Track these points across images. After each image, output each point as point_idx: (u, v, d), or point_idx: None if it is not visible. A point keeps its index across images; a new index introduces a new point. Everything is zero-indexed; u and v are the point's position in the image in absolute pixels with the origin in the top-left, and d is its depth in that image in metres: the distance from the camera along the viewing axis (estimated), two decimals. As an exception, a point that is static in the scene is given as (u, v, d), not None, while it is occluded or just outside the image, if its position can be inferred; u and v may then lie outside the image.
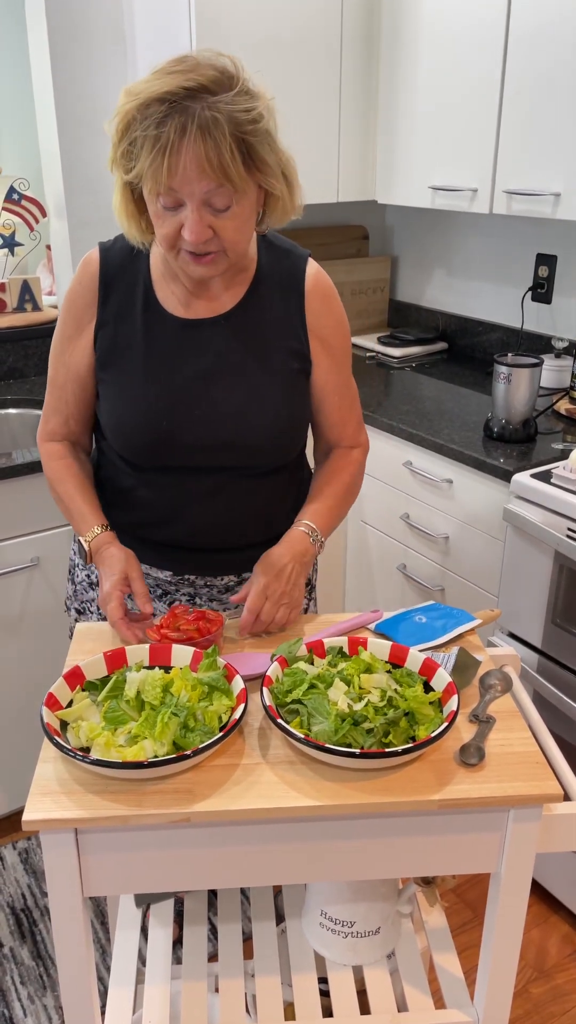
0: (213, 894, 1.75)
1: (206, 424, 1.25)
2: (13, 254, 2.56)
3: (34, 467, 1.89)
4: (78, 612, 1.48)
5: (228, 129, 1.05)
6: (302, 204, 1.22)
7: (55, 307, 2.59)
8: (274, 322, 1.28)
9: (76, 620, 1.49)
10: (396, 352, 2.61)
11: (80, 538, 1.30)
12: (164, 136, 1.04)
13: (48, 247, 2.73)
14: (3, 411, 2.30)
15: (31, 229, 2.56)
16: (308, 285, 1.29)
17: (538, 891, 1.96)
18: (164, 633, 1.14)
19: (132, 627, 1.18)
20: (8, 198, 2.50)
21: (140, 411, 1.25)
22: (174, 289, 1.26)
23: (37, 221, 2.55)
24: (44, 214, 2.53)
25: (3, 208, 2.50)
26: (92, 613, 1.45)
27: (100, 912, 1.91)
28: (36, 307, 2.50)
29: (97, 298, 1.27)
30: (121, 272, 1.27)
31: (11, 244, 2.53)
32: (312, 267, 1.31)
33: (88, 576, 1.45)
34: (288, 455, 1.34)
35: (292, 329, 1.29)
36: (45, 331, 2.45)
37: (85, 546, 1.28)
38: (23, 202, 2.52)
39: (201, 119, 1.04)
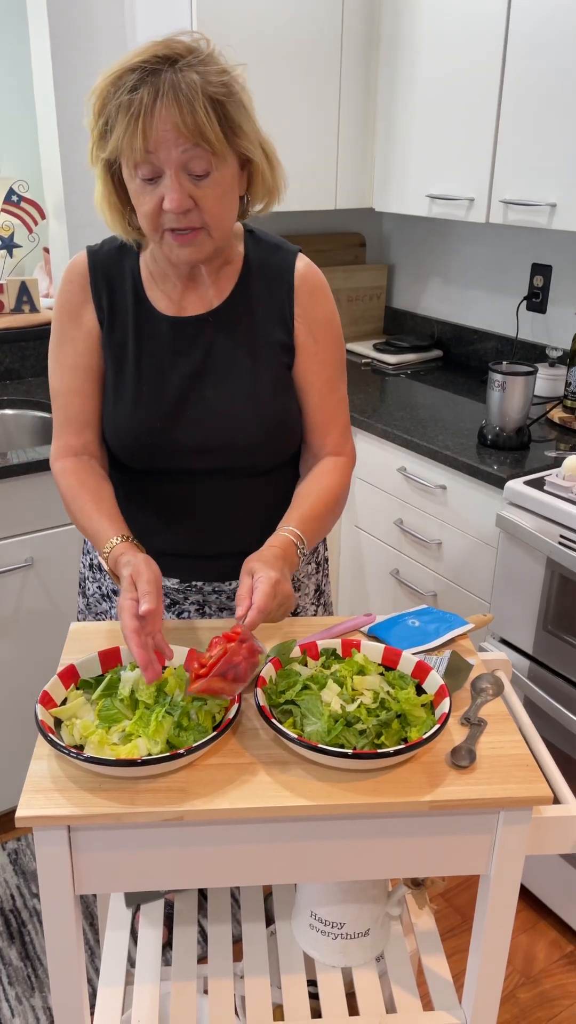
0: (203, 897, 1.75)
1: (198, 425, 1.24)
2: (12, 256, 2.57)
3: (30, 467, 1.90)
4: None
5: (201, 89, 1.06)
6: (285, 186, 1.22)
7: (52, 309, 2.59)
8: (263, 316, 1.27)
9: None
10: (391, 359, 2.63)
11: (98, 556, 1.21)
12: (137, 100, 1.05)
13: (45, 249, 2.74)
14: (0, 411, 2.31)
15: (30, 231, 2.56)
16: (298, 278, 1.27)
17: (527, 897, 1.97)
18: (196, 671, 1.02)
19: (145, 643, 1.03)
20: (7, 200, 2.50)
21: (134, 413, 1.25)
22: (164, 288, 1.26)
23: (36, 223, 2.56)
24: (43, 216, 2.54)
25: (2, 210, 2.51)
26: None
27: (89, 914, 1.90)
28: (34, 308, 2.51)
29: (91, 297, 1.25)
30: (110, 273, 1.26)
31: (10, 246, 2.54)
32: (302, 260, 1.29)
33: (100, 588, 1.43)
34: (285, 452, 1.32)
35: (281, 322, 1.27)
36: (42, 332, 2.46)
37: (103, 564, 1.20)
38: (22, 204, 2.53)
39: (173, 80, 1.05)
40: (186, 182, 1.09)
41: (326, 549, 1.52)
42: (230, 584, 1.36)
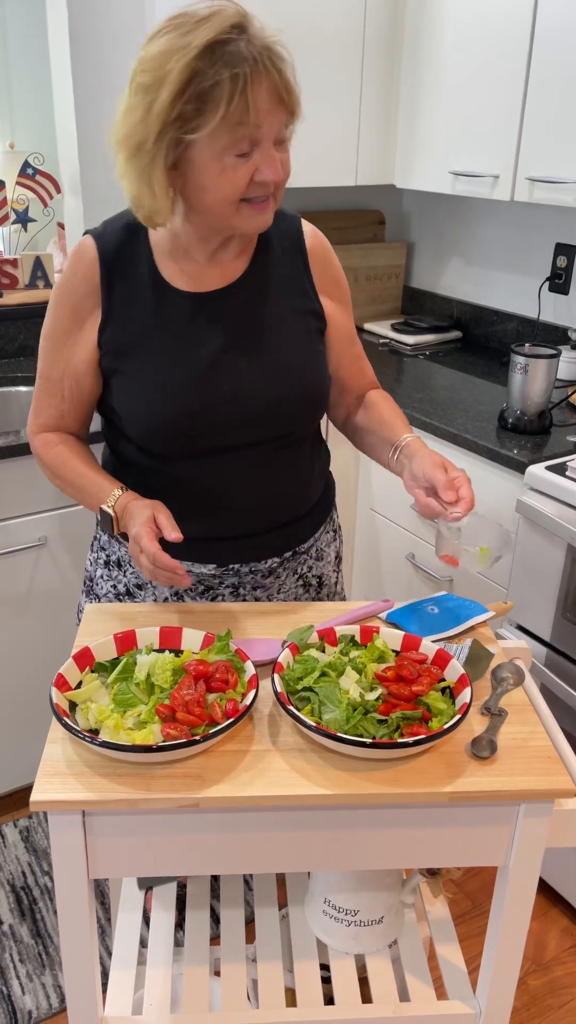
0: (215, 879, 1.75)
1: (237, 398, 1.21)
2: (26, 230, 2.54)
3: (44, 446, 1.88)
4: None
5: (285, 55, 1.07)
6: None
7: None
8: (284, 285, 1.26)
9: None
10: (410, 339, 2.59)
11: (103, 507, 1.21)
12: (240, 75, 1.02)
13: (60, 225, 2.71)
14: (14, 388, 2.29)
15: (45, 205, 2.53)
16: (308, 244, 1.29)
17: (539, 884, 1.96)
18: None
19: (173, 562, 1.09)
20: (23, 172, 2.47)
21: (168, 395, 1.20)
22: (182, 265, 1.22)
23: (51, 197, 2.53)
24: (59, 190, 2.50)
25: (17, 183, 2.48)
26: None
27: (100, 894, 1.91)
28: (48, 284, 2.48)
29: (99, 288, 1.21)
30: (120, 258, 1.21)
31: (24, 220, 2.51)
32: (307, 226, 1.31)
33: (115, 587, 1.38)
34: (318, 418, 1.33)
35: (302, 289, 1.28)
36: (57, 309, 2.43)
37: (110, 512, 1.20)
38: (37, 177, 2.50)
39: (264, 52, 1.04)
40: (275, 151, 1.10)
41: (338, 516, 1.50)
42: (265, 563, 1.32)
